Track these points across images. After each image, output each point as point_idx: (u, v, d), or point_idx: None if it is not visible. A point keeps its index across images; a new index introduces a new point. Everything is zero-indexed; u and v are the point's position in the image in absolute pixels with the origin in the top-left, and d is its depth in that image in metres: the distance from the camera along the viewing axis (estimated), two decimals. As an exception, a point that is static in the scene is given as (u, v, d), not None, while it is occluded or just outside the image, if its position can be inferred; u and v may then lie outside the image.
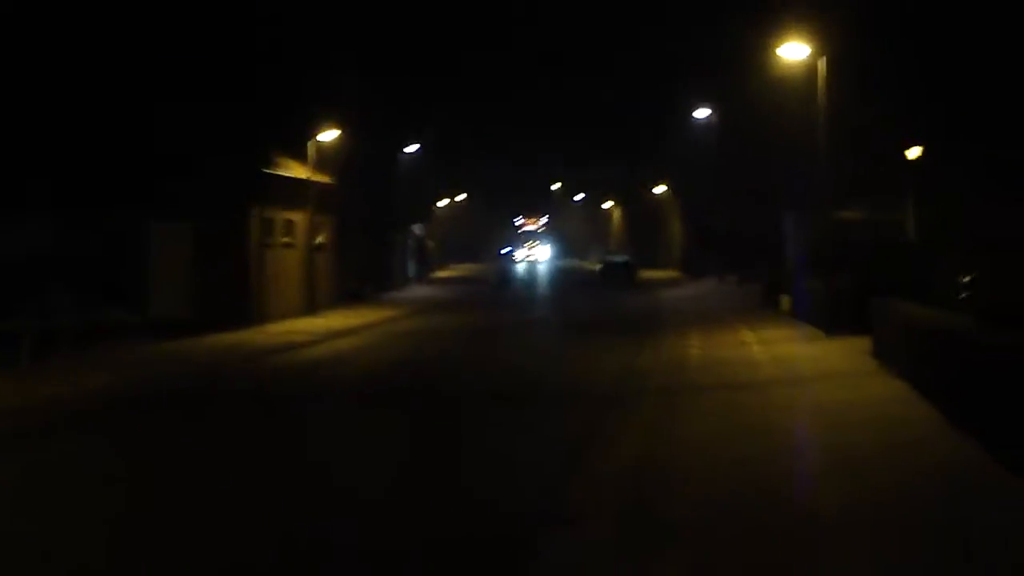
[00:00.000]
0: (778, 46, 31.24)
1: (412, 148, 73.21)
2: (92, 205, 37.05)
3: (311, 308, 43.91)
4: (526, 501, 12.57)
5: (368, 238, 60.40)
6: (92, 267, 36.19)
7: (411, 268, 78.13)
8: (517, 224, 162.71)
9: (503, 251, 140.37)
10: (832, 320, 28.89)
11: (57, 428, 19.10)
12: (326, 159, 47.04)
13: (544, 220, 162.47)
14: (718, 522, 10.93)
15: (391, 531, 11.56)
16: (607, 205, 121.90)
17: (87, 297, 33.68)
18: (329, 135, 44.63)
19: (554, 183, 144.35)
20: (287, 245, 43.39)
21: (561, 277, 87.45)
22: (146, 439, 18.09)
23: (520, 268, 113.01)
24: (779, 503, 11.58)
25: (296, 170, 43.95)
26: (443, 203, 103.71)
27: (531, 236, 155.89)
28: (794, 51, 30.85)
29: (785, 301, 38.09)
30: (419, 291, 65.29)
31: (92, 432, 18.90)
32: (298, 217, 44.22)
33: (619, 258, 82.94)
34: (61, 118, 36.70)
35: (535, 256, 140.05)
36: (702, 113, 63.19)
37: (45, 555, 10.92)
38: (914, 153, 41.64)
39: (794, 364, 23.89)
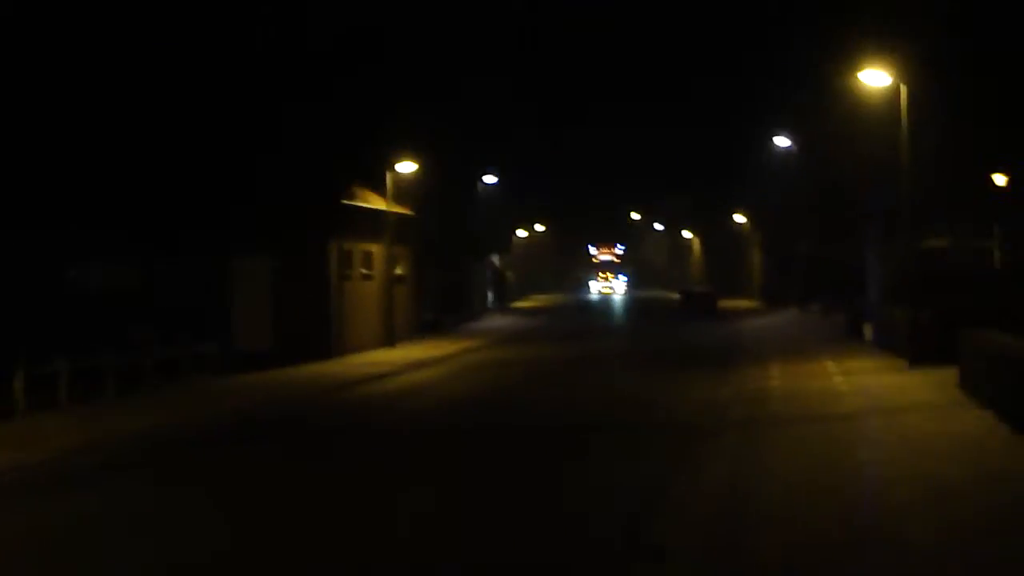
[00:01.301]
0: (858, 72, 30.81)
1: (490, 179, 73.36)
2: (172, 242, 37.56)
3: (390, 339, 44.01)
4: (613, 531, 12.42)
5: (446, 269, 60.55)
6: (174, 303, 36.61)
7: (490, 298, 78.17)
8: (591, 254, 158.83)
9: (584, 282, 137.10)
10: (916, 350, 28.37)
11: (131, 464, 19.25)
12: (404, 191, 47.22)
13: (620, 250, 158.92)
14: (802, 552, 10.70)
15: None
16: (687, 235, 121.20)
17: (170, 332, 34.02)
18: (407, 167, 44.76)
19: (633, 213, 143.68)
20: (366, 277, 43.57)
21: (640, 307, 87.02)
22: (214, 473, 18.15)
23: (596, 299, 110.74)
24: (867, 536, 11.31)
25: (374, 201, 44.19)
26: (522, 234, 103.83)
27: (607, 267, 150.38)
28: (874, 78, 30.38)
29: (868, 331, 37.53)
30: (498, 322, 65.25)
31: (160, 467, 19.01)
32: (376, 248, 44.40)
33: (699, 288, 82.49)
34: (139, 157, 37.29)
35: (611, 287, 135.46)
36: (782, 141, 62.69)
37: None
38: (1001, 180, 40.91)
39: (877, 395, 23.46)
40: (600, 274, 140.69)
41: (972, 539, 10.96)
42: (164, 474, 18.01)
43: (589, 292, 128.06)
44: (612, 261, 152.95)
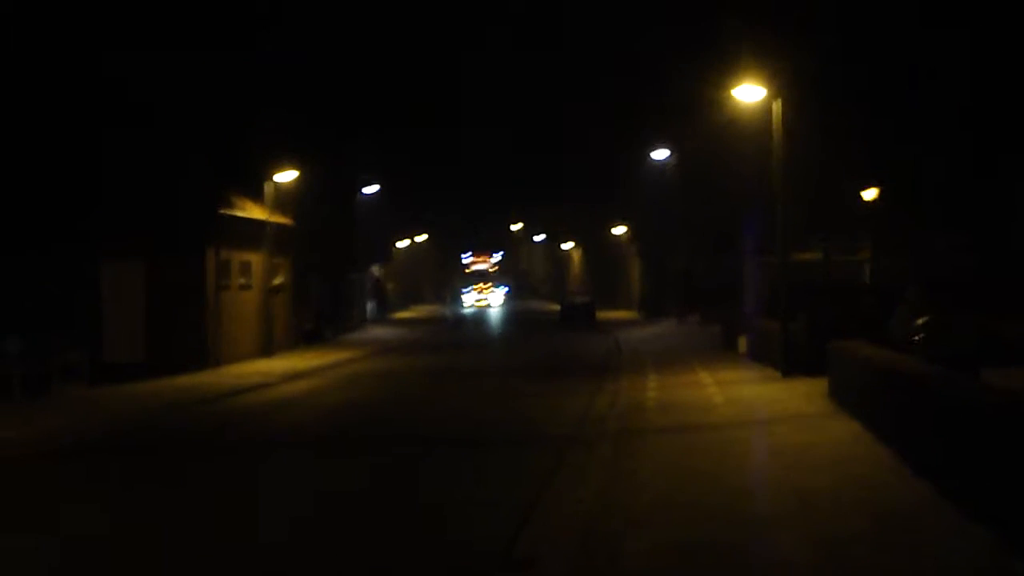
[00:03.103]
0: (734, 88, 31.29)
1: (371, 189, 73.08)
2: (43, 248, 36.72)
3: (268, 350, 43.56)
4: (483, 543, 12.42)
5: (326, 279, 60.15)
6: (44, 311, 35.77)
7: (370, 309, 77.82)
8: (466, 263, 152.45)
9: (459, 294, 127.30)
10: (788, 362, 28.86)
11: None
12: (284, 200, 46.83)
13: (497, 259, 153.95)
14: (671, 562, 10.80)
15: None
16: (567, 246, 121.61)
17: (39, 340, 33.24)
18: (287, 176, 44.40)
19: (514, 224, 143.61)
20: (244, 287, 43.09)
21: (521, 319, 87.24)
22: (79, 488, 17.81)
23: (471, 312, 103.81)
24: (735, 550, 11.46)
25: (253, 211, 43.73)
26: (403, 244, 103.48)
27: (483, 277, 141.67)
28: (750, 93, 30.87)
29: (743, 342, 38.09)
30: (377, 332, 64.94)
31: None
32: (255, 258, 43.94)
33: (579, 299, 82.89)
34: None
35: (488, 299, 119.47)
36: (660, 154, 63.35)
37: None
38: (870, 195, 41.89)
39: (750, 406, 23.80)
40: (476, 285, 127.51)
41: (841, 549, 11.15)
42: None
43: (462, 305, 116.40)
44: (487, 271, 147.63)
